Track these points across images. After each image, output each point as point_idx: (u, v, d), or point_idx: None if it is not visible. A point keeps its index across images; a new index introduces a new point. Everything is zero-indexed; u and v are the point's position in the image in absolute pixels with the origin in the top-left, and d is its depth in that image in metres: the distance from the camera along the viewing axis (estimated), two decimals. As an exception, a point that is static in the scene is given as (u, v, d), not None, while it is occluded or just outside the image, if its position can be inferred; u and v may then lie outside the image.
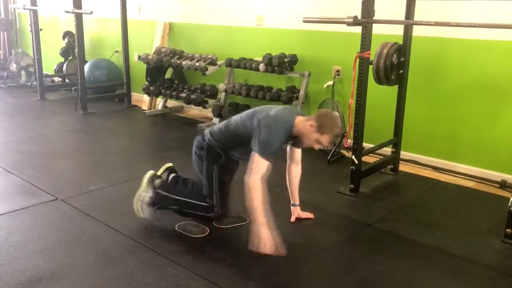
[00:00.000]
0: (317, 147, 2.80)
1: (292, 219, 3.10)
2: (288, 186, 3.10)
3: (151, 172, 3.09)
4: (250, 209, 2.60)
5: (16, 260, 2.57)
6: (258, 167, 2.63)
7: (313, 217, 3.14)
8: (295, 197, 3.12)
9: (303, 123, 2.75)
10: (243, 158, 2.96)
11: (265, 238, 2.52)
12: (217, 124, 3.07)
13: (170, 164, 3.27)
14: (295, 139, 2.84)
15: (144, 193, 3.00)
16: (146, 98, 6.22)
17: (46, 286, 2.35)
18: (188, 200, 3.00)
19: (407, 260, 2.70)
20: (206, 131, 3.02)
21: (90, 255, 2.64)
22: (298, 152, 3.03)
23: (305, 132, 2.75)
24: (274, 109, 2.80)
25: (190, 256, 2.68)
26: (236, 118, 2.94)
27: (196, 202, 2.97)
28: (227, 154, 2.96)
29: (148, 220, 3.07)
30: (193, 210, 3.00)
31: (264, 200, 2.60)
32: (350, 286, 2.47)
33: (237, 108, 5.35)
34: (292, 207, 3.13)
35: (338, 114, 2.85)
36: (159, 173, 3.20)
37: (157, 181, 3.09)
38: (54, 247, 2.73)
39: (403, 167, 4.14)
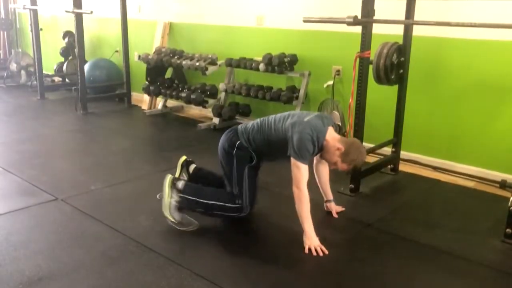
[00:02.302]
0: (331, 168, 2.94)
1: (334, 214, 3.20)
2: (319, 185, 3.19)
3: (170, 177, 3.01)
4: (300, 217, 2.77)
5: (16, 260, 2.57)
6: (302, 173, 2.74)
7: (344, 209, 3.26)
8: (328, 194, 3.23)
9: (333, 141, 2.83)
10: (270, 160, 3.09)
11: (316, 243, 2.72)
12: (249, 123, 3.06)
13: (183, 158, 3.30)
14: (321, 150, 2.89)
15: (169, 199, 2.93)
16: (146, 98, 6.22)
17: (46, 286, 2.36)
18: (216, 203, 2.96)
19: (407, 260, 2.70)
20: (240, 129, 3.02)
21: (90, 255, 2.64)
22: None
23: (330, 150, 2.84)
24: (308, 115, 2.87)
25: (190, 256, 2.68)
26: (270, 119, 2.98)
27: (225, 204, 2.95)
28: (258, 156, 2.98)
29: (148, 220, 3.08)
30: (221, 211, 2.98)
31: (308, 204, 2.78)
32: (350, 286, 2.47)
33: (237, 108, 5.36)
34: (327, 204, 3.23)
35: (361, 145, 3.02)
36: (177, 174, 3.21)
37: (180, 184, 2.99)
38: (54, 247, 2.73)
39: (403, 167, 4.14)
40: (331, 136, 2.85)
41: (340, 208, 3.27)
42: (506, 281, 2.55)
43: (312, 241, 2.73)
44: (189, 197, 2.95)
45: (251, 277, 2.48)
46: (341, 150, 2.80)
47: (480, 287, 2.50)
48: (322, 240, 2.77)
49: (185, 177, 3.29)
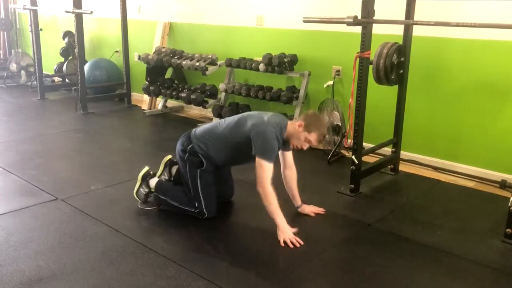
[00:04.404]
0: (305, 146, 2.93)
1: (312, 214, 3.17)
2: (287, 190, 3.16)
3: (144, 170, 3.29)
4: (270, 213, 2.81)
5: (16, 260, 2.57)
6: (266, 172, 2.78)
7: (324, 212, 3.21)
8: (297, 199, 3.19)
9: (292, 125, 2.91)
10: (226, 164, 3.15)
11: (289, 235, 2.77)
12: (201, 126, 3.16)
13: (168, 158, 3.41)
14: (285, 144, 2.97)
15: (139, 187, 3.25)
16: (146, 98, 6.23)
17: (46, 286, 2.35)
18: (179, 206, 3.11)
19: (407, 260, 2.70)
20: (193, 134, 3.08)
21: (90, 255, 2.65)
22: (289, 155, 3.12)
23: (294, 132, 2.90)
24: (266, 115, 2.93)
25: (190, 256, 2.68)
26: (225, 121, 3.05)
27: (186, 208, 3.09)
28: (209, 160, 3.03)
29: (148, 220, 3.09)
30: (186, 212, 3.11)
31: (275, 199, 2.82)
32: (350, 286, 2.47)
33: (237, 108, 5.36)
34: (299, 209, 3.18)
35: (315, 111, 3.09)
36: (159, 172, 3.34)
37: (153, 182, 3.24)
38: (54, 247, 2.73)
39: (403, 167, 4.14)
40: (289, 124, 2.94)
41: (317, 209, 3.19)
42: (506, 281, 2.55)
43: (285, 233, 2.77)
44: (161, 196, 3.18)
45: (250, 277, 2.48)
46: (302, 125, 2.86)
47: (480, 287, 2.50)
48: (322, 240, 2.78)
49: (166, 176, 3.37)
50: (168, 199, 3.14)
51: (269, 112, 3.05)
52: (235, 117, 3.05)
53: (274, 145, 2.81)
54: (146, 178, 3.25)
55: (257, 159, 2.79)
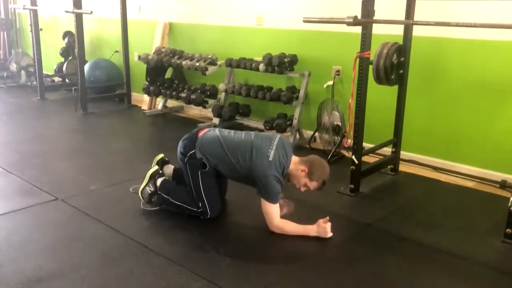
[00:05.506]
0: (303, 189, 2.98)
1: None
2: None
3: (153, 169, 3.28)
4: (297, 234, 2.87)
5: (16, 260, 2.58)
6: (273, 212, 2.86)
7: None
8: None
9: (296, 165, 2.93)
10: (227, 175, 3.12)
11: (324, 232, 2.86)
12: (206, 134, 3.08)
13: (160, 157, 3.45)
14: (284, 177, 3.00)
15: (145, 186, 3.20)
16: (146, 98, 6.22)
17: (46, 286, 2.36)
18: (182, 205, 3.10)
19: (407, 260, 2.70)
20: (198, 143, 3.02)
21: (90, 255, 2.65)
22: None
23: (295, 174, 2.93)
24: (271, 148, 2.88)
25: (190, 256, 2.68)
26: (229, 138, 3.01)
27: (190, 207, 3.08)
28: (212, 166, 3.03)
29: (148, 220, 3.09)
30: (189, 212, 3.10)
31: (289, 222, 2.91)
32: (350, 285, 2.47)
33: (237, 108, 5.36)
34: None
35: (321, 159, 3.04)
36: (152, 169, 3.32)
37: (159, 181, 3.20)
38: (54, 247, 2.73)
39: (403, 167, 4.14)
40: (293, 162, 2.93)
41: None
42: (506, 281, 2.55)
43: (322, 233, 2.84)
44: (163, 195, 3.15)
45: (251, 277, 2.48)
46: (305, 171, 2.89)
47: (480, 287, 2.50)
48: (322, 240, 2.78)
49: None
50: (170, 198, 3.12)
51: (276, 137, 2.99)
52: (239, 137, 3.01)
53: (277, 188, 2.86)
54: (154, 176, 3.22)
55: (263, 201, 2.85)
